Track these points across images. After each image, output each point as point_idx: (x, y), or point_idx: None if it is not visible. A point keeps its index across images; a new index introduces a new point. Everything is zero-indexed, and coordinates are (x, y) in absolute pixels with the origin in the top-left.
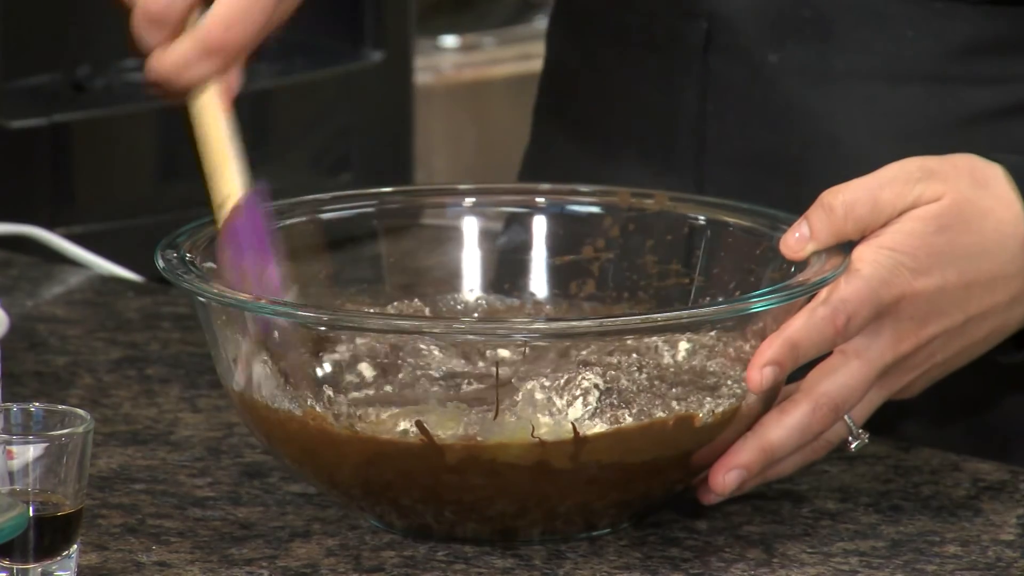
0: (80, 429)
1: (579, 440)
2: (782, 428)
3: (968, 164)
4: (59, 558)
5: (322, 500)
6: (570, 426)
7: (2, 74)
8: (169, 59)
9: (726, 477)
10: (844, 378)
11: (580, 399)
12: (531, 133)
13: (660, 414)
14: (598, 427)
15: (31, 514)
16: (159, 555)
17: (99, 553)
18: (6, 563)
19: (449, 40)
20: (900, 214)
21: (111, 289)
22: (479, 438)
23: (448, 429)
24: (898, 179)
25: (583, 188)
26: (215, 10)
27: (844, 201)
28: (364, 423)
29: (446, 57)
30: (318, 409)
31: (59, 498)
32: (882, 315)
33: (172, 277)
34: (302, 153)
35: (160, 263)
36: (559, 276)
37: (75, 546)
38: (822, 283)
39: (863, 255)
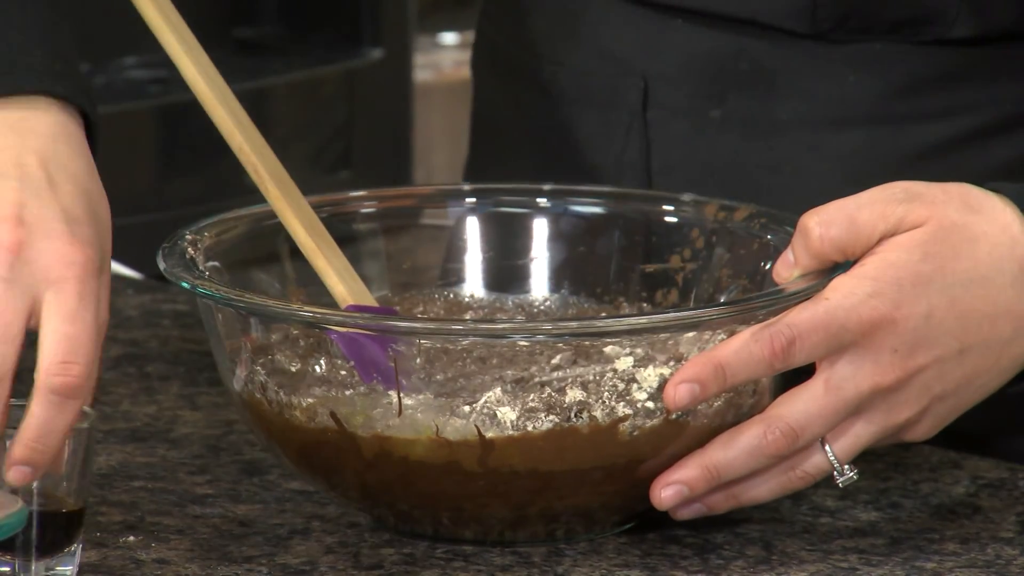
0: (83, 425)
1: (485, 443)
2: (730, 448)
3: (961, 190)
4: (61, 555)
5: (321, 498)
6: (474, 428)
7: None
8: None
9: (663, 492)
10: (804, 404)
11: (496, 403)
12: (467, 157)
13: (577, 423)
14: (505, 431)
15: (35, 510)
16: (158, 552)
17: (98, 550)
18: (8, 558)
19: (448, 37)
20: (883, 237)
21: (110, 286)
22: (385, 433)
23: (358, 420)
24: (878, 200)
25: (681, 196)
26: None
27: (819, 222)
28: (291, 412)
29: (445, 54)
30: (256, 396)
31: (62, 495)
32: (857, 345)
33: (174, 277)
34: (301, 150)
35: (162, 263)
36: (646, 283)
37: (78, 543)
38: (795, 296)
39: (839, 284)
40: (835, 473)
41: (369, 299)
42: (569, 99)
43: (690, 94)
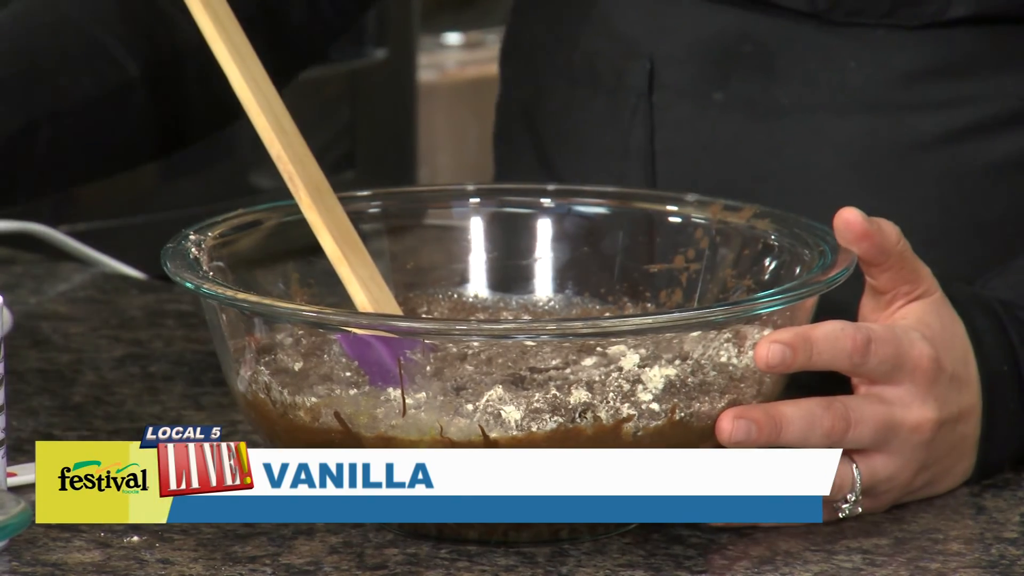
0: None
1: (489, 443)
2: (797, 406)
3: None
4: None
5: None
6: (478, 428)
7: None
8: None
9: (733, 423)
10: (863, 402)
11: (500, 403)
12: (494, 159)
13: (581, 423)
14: (509, 431)
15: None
16: (162, 553)
17: (102, 551)
18: None
19: (452, 38)
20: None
21: (114, 286)
22: (389, 433)
23: (362, 420)
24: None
25: (684, 196)
26: None
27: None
28: (295, 412)
29: (449, 54)
30: (260, 395)
31: None
32: (914, 381)
33: (178, 278)
34: None
35: (166, 264)
36: (651, 284)
37: None
38: (825, 284)
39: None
40: (848, 494)
41: (394, 308)
42: (582, 82)
43: (694, 76)
